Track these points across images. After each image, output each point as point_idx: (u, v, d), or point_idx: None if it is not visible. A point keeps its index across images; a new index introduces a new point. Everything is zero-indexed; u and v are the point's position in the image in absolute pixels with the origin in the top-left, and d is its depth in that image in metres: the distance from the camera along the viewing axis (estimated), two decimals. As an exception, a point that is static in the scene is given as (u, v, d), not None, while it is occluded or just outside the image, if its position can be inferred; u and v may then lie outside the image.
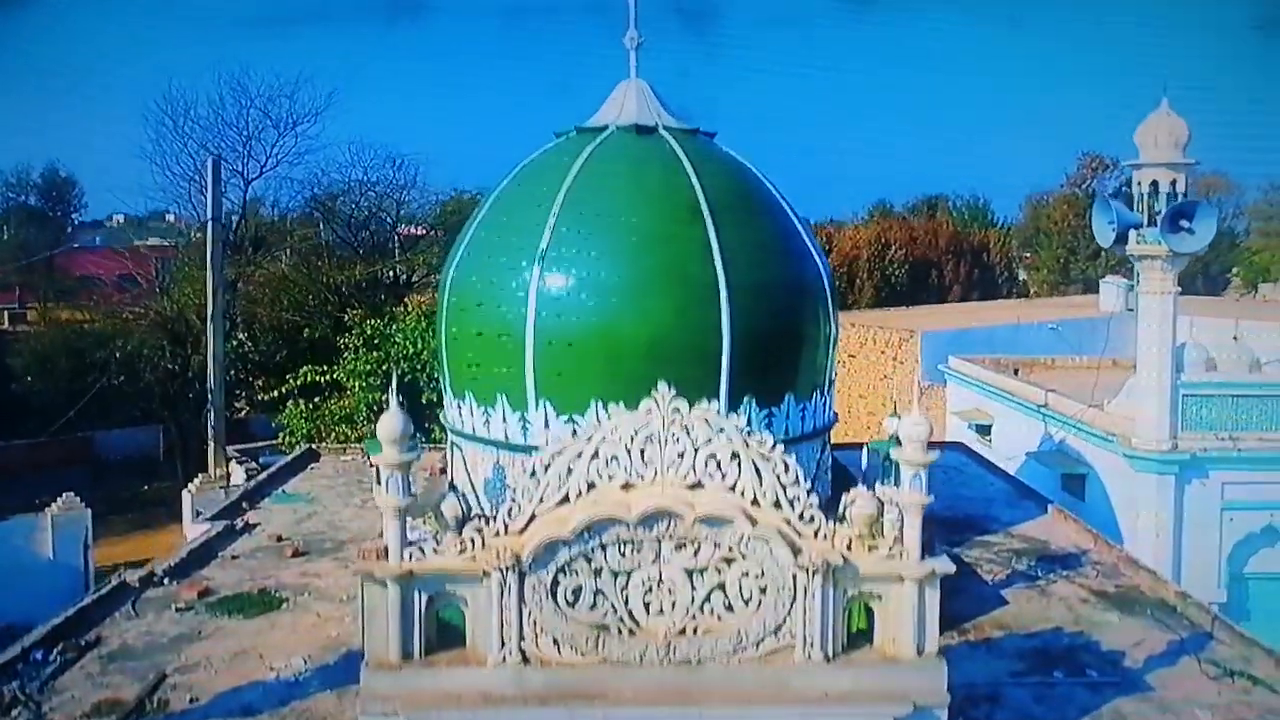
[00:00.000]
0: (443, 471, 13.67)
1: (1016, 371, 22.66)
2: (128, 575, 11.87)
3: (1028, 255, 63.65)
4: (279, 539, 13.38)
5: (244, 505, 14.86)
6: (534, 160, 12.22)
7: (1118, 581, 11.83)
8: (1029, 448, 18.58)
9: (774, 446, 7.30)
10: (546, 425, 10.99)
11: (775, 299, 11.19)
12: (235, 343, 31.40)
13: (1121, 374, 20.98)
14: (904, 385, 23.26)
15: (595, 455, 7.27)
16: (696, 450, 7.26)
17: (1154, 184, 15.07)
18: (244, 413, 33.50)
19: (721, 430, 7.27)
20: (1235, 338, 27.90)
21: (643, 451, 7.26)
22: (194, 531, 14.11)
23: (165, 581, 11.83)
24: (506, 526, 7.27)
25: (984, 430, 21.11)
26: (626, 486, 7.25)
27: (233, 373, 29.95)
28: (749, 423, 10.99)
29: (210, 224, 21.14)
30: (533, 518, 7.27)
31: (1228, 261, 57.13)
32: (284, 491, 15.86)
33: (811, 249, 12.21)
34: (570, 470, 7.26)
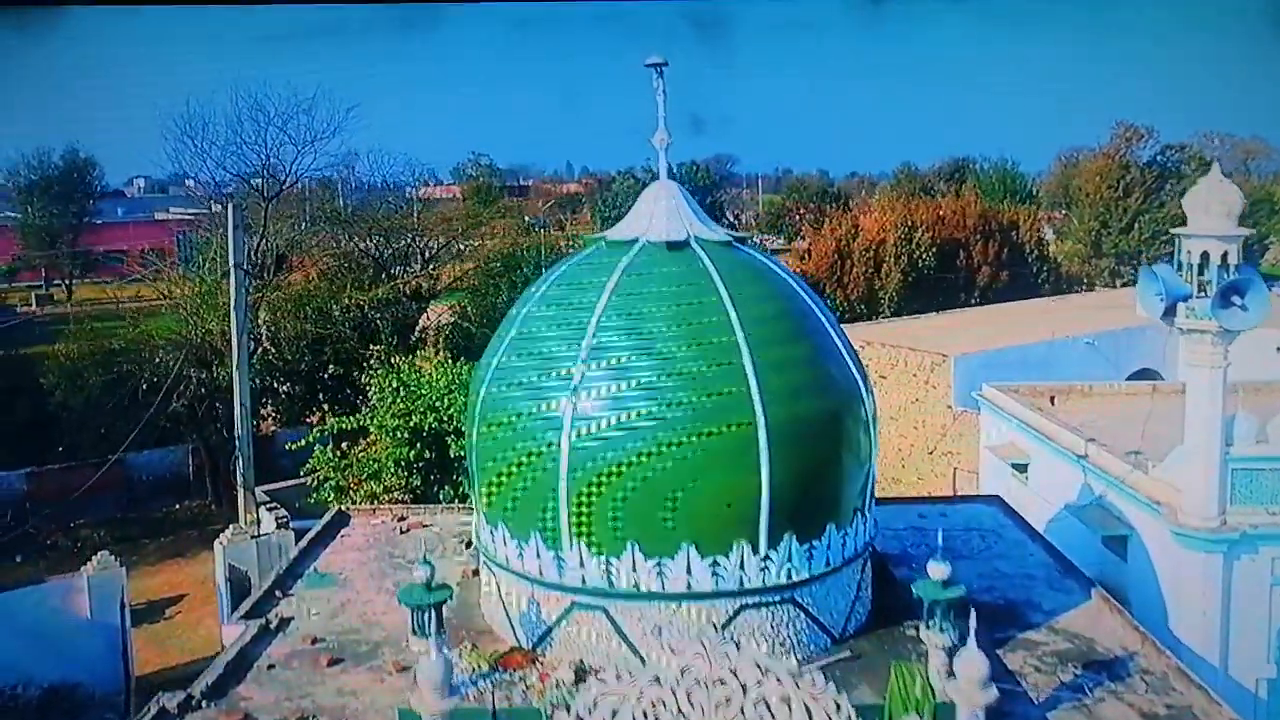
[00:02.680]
0: (475, 574, 13.52)
1: (1053, 400, 22.14)
2: (165, 700, 11.85)
3: (1057, 215, 62.41)
4: (313, 641, 13.33)
5: (276, 594, 14.82)
6: (563, 278, 11.80)
7: (1168, 700, 11.54)
8: (1068, 497, 18.18)
9: (825, 686, 7.05)
10: (581, 564, 10.80)
11: (815, 431, 10.83)
12: (260, 350, 31.39)
13: (1163, 402, 20.43)
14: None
15: (641, 697, 7.05)
16: (745, 693, 7.02)
17: (1204, 254, 14.47)
18: (269, 420, 33.58)
19: (770, 673, 7.02)
20: (1279, 349, 27.26)
21: (690, 694, 7.03)
22: (230, 634, 14.07)
23: (203, 704, 11.81)
24: (550, 770, 7.10)
25: (1021, 468, 20.70)
26: (674, 731, 7.04)
27: (257, 381, 29.99)
28: (790, 559, 10.85)
29: (232, 270, 20.92)
30: (577, 762, 7.09)
31: (1266, 229, 55.86)
32: (316, 571, 15.79)
33: (847, 359, 11.82)
34: (616, 714, 7.05)
